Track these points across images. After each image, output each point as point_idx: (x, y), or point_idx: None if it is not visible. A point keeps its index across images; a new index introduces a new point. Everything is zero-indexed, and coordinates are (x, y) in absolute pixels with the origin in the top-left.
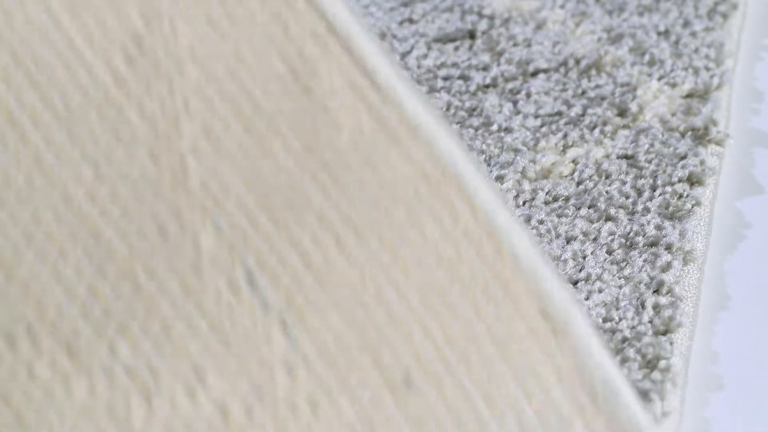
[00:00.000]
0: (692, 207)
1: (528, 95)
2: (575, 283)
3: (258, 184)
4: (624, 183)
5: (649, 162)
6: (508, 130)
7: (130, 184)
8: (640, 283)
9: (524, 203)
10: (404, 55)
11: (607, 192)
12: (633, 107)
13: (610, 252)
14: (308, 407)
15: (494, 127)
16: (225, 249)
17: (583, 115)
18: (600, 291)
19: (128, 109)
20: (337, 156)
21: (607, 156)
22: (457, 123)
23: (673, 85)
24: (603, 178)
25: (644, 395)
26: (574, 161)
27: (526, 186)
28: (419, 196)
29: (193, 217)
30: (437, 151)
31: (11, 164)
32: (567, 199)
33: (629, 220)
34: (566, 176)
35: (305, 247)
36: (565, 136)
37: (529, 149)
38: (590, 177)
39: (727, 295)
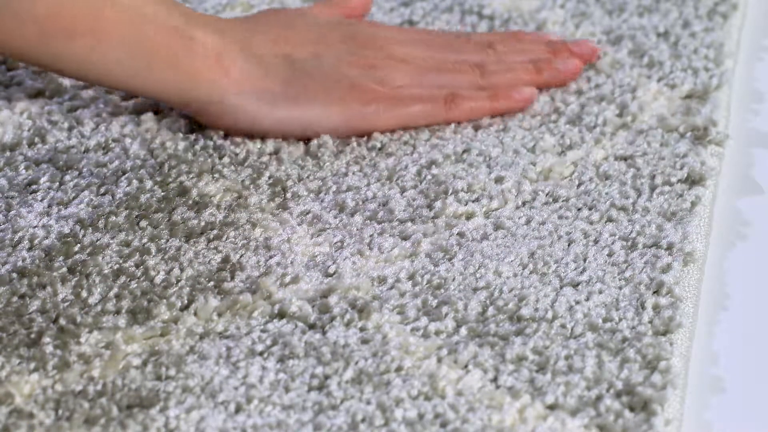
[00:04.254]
0: (692, 207)
1: None
2: (576, 285)
3: None
4: (624, 184)
5: (649, 163)
6: (507, 131)
7: None
8: (640, 284)
9: (524, 204)
10: None
11: (607, 193)
12: (633, 108)
13: (610, 254)
14: None
15: (494, 129)
16: None
17: (582, 115)
18: (600, 292)
19: None
20: None
21: (607, 157)
22: (458, 124)
23: (673, 87)
24: (603, 179)
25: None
26: (574, 163)
27: (527, 187)
28: None
29: None
30: None
31: None
32: (567, 200)
33: (629, 221)
34: (566, 177)
35: None
36: (564, 137)
37: (528, 150)
38: (590, 178)
39: (727, 295)
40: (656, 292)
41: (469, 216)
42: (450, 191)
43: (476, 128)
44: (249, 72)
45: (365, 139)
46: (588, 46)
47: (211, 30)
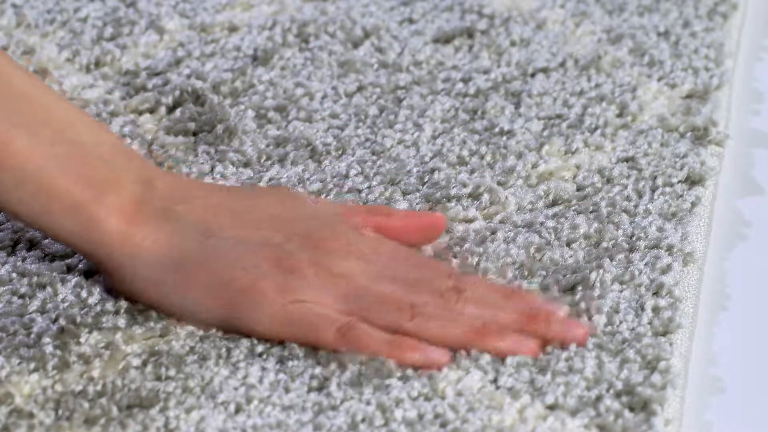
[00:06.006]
0: (692, 208)
1: (529, 96)
2: (575, 287)
3: None
4: (625, 186)
5: (649, 163)
6: (510, 132)
7: None
8: (640, 285)
9: (525, 206)
10: (403, 55)
11: (609, 196)
12: (633, 108)
13: (611, 256)
14: None
15: (496, 130)
16: None
17: (583, 116)
18: (600, 294)
19: None
20: None
21: (608, 159)
22: (459, 126)
23: (673, 86)
24: (604, 180)
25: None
26: (577, 165)
27: (529, 189)
28: None
29: None
30: None
31: None
32: (568, 202)
33: (630, 222)
34: (568, 179)
35: None
36: (566, 139)
37: (530, 152)
38: (591, 180)
39: (727, 296)
40: (656, 293)
41: (470, 219)
42: (452, 195)
43: (479, 132)
44: (161, 238)
45: (366, 141)
46: (579, 328)
47: (137, 178)
